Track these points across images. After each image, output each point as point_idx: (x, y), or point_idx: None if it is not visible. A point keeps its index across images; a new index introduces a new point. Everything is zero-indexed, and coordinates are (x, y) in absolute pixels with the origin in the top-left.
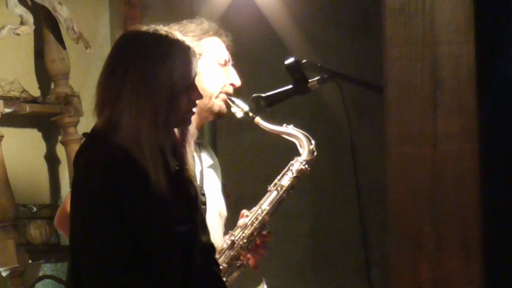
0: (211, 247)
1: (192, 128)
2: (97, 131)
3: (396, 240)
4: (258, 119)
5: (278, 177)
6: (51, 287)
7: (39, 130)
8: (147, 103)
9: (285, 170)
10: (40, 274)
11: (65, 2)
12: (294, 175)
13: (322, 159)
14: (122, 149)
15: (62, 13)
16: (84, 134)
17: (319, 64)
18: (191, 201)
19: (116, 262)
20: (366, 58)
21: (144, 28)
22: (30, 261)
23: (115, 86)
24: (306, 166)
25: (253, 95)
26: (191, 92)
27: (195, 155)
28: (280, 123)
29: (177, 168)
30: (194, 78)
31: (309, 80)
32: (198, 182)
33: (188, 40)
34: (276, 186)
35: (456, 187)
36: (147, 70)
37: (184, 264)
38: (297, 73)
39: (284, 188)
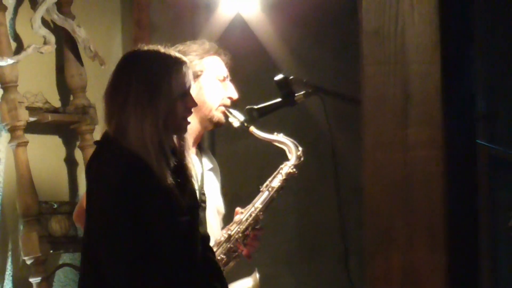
0: (207, 237)
1: (189, 140)
2: (107, 137)
3: (371, 234)
4: (252, 128)
5: (269, 179)
6: (69, 274)
7: (59, 137)
8: (149, 108)
9: (275, 173)
10: (60, 262)
11: (83, 24)
12: (284, 177)
13: (307, 163)
14: (131, 151)
15: (80, 34)
16: (95, 142)
17: (304, 80)
18: (191, 195)
19: (131, 251)
20: (346, 75)
21: (144, 47)
22: (51, 251)
23: (121, 97)
24: (294, 169)
25: (247, 107)
26: (187, 99)
27: (197, 159)
28: (271, 132)
29: (177, 166)
30: (189, 87)
31: (296, 94)
32: (199, 183)
33: (183, 57)
34: (268, 187)
35: (424, 188)
36: (148, 81)
37: (187, 250)
38: (285, 88)
39: (274, 189)
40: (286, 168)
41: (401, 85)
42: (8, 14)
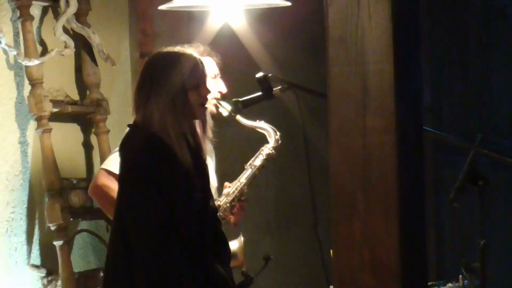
0: (215, 210)
1: (211, 123)
2: (136, 124)
3: (336, 205)
4: (238, 117)
5: (252, 159)
6: (86, 238)
7: (78, 125)
8: (168, 100)
9: (257, 153)
10: (78, 228)
11: (97, 31)
12: (264, 157)
13: (284, 147)
14: (156, 136)
15: (95, 39)
16: (129, 125)
17: (281, 77)
18: (205, 175)
19: (155, 220)
20: (316, 73)
21: (163, 50)
22: (71, 219)
23: (146, 92)
24: (273, 151)
25: (233, 99)
26: (201, 89)
27: None
28: (253, 120)
29: (195, 149)
30: (202, 79)
31: (273, 89)
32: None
33: (194, 53)
34: (251, 165)
35: (379, 166)
36: (165, 76)
37: (200, 221)
38: (264, 84)
39: (256, 167)
40: (266, 149)
41: (360, 82)
42: (35, 23)
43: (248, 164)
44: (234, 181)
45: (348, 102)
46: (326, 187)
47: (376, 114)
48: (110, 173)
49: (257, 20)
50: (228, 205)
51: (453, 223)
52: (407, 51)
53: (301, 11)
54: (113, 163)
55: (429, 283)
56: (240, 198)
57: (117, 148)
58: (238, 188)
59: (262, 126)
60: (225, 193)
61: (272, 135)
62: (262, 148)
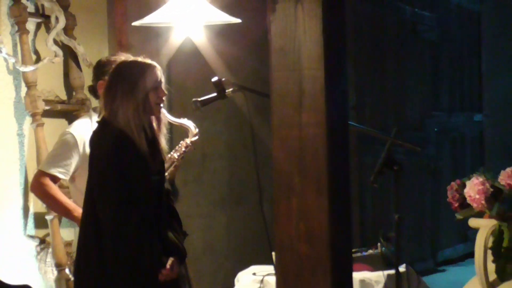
0: (169, 190)
1: (164, 119)
2: (103, 120)
3: (278, 185)
4: (166, 114)
5: (172, 151)
6: None
7: (65, 120)
8: (131, 99)
9: (177, 147)
10: None
11: (81, 43)
12: (183, 149)
13: (235, 138)
14: (120, 130)
15: (80, 50)
16: (97, 121)
17: (232, 81)
18: (160, 161)
19: (118, 198)
20: (261, 78)
21: (129, 59)
22: None
23: (112, 93)
24: (191, 144)
25: (193, 99)
26: (158, 91)
27: None
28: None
29: (152, 140)
30: (159, 83)
31: (226, 90)
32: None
33: (154, 62)
34: (171, 156)
35: (313, 154)
36: (129, 81)
37: (157, 200)
38: (219, 86)
39: (175, 158)
40: (185, 143)
41: (297, 85)
42: (30, 36)
43: (169, 155)
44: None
45: (287, 101)
46: (270, 171)
47: (310, 111)
48: (44, 174)
49: (214, 34)
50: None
51: (373, 201)
52: (335, 60)
53: (250, 26)
54: (47, 165)
55: (353, 250)
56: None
57: (52, 150)
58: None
59: (184, 122)
60: None
61: (192, 131)
62: (181, 142)
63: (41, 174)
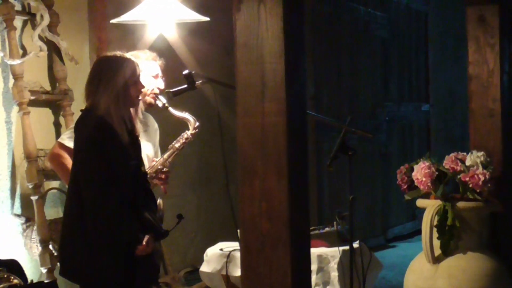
0: (145, 173)
1: (140, 110)
2: (87, 109)
3: (242, 169)
4: (170, 108)
5: (174, 142)
6: (56, 194)
7: (50, 109)
8: (112, 92)
9: (179, 137)
10: (50, 187)
11: (64, 39)
12: (183, 140)
13: (204, 126)
14: (102, 118)
15: (63, 44)
16: (81, 110)
17: (201, 74)
18: (137, 147)
19: (99, 179)
20: (228, 70)
21: (109, 53)
22: (44, 180)
23: (95, 85)
24: (191, 136)
25: (165, 90)
26: (137, 85)
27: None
28: (181, 110)
29: (131, 128)
30: (138, 77)
31: (196, 82)
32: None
33: (133, 58)
34: (173, 146)
35: (274, 140)
36: (110, 75)
37: (135, 182)
38: (189, 79)
39: (176, 148)
40: (186, 135)
41: (260, 77)
42: (17, 32)
43: (171, 145)
44: (158, 158)
45: (250, 92)
46: (235, 155)
47: (271, 101)
48: (63, 145)
49: (185, 31)
50: (154, 174)
51: (329, 183)
52: (295, 54)
53: (218, 24)
54: (66, 138)
55: (311, 227)
56: (161, 170)
57: (71, 127)
58: (161, 162)
59: (186, 116)
60: (150, 166)
61: (192, 124)
62: (182, 134)
63: (59, 145)
